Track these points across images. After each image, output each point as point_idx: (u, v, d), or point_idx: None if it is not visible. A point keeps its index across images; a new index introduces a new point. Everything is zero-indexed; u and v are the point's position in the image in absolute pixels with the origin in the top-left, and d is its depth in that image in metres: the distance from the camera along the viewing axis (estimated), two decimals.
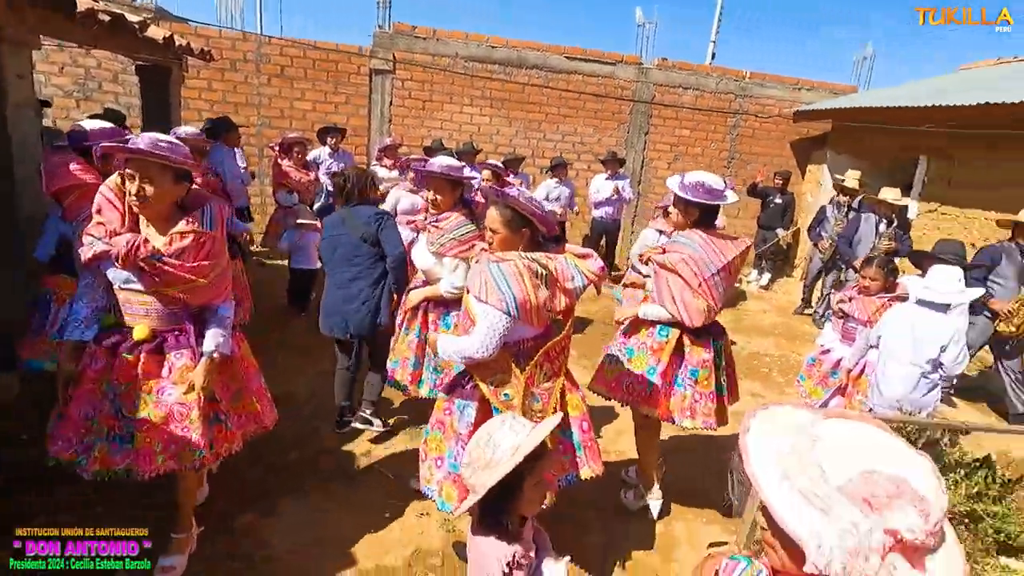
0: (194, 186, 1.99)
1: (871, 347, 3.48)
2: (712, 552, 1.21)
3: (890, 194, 5.61)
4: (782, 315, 7.06)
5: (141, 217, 1.86)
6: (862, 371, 3.60)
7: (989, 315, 4.31)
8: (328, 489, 2.83)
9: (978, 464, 2.63)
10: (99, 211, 1.84)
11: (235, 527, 2.45)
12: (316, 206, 5.97)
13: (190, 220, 1.86)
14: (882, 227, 5.65)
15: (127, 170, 1.76)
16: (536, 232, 1.96)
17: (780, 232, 7.81)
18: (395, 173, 5.93)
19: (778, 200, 7.77)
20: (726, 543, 2.63)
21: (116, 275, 1.83)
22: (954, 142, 6.50)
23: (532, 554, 1.43)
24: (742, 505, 2.62)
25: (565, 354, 2.12)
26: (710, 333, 2.62)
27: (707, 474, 3.22)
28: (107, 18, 3.29)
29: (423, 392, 2.84)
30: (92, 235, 1.78)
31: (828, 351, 3.90)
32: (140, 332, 1.86)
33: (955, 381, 4.44)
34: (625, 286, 3.83)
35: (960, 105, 5.97)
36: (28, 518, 1.85)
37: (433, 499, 2.06)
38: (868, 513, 0.72)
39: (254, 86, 7.16)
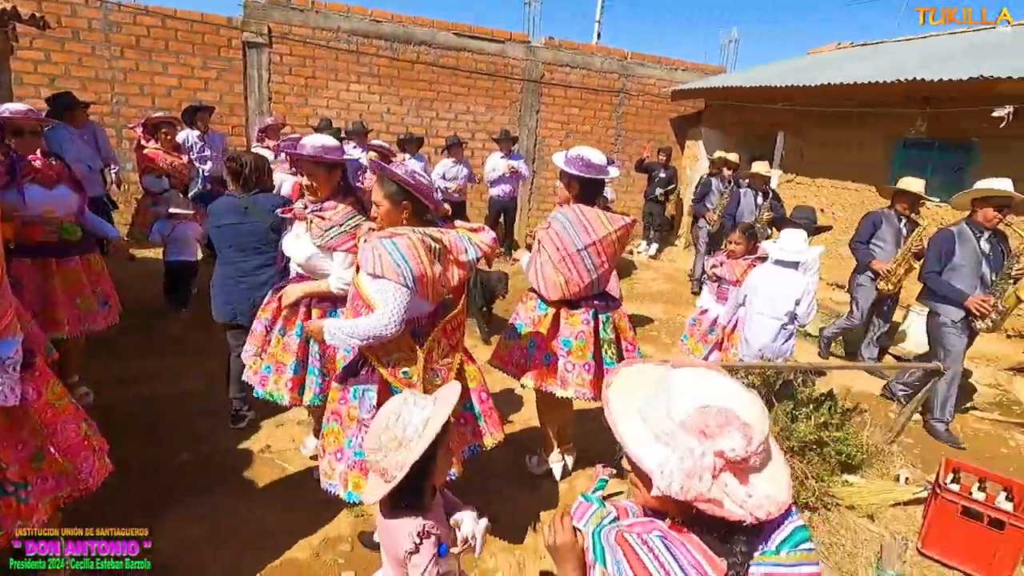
0: None
1: (740, 305, 3.88)
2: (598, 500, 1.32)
3: (762, 167, 6.15)
4: (669, 282, 7.61)
5: None
6: (735, 327, 4.00)
7: (872, 275, 4.67)
8: (227, 487, 2.70)
9: (823, 398, 3.06)
10: None
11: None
12: (192, 193, 5.50)
13: None
14: (759, 199, 6.18)
15: None
16: (421, 207, 1.94)
17: (658, 191, 8.26)
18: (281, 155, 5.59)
19: (662, 174, 8.30)
20: (621, 493, 2.84)
21: None
22: (803, 118, 7.29)
23: (440, 524, 1.46)
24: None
25: (461, 329, 2.15)
26: (592, 306, 2.67)
27: (606, 433, 3.44)
28: None
29: (306, 400, 2.53)
30: None
31: (706, 311, 4.29)
32: None
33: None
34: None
35: (805, 85, 6.70)
36: None
37: (337, 494, 2.02)
38: (702, 440, 0.84)
39: (104, 59, 6.37)
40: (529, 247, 2.83)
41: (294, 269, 2.64)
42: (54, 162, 2.93)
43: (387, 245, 1.81)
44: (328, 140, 2.41)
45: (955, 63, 5.71)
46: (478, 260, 2.00)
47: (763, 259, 3.93)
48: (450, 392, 1.51)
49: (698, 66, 9.34)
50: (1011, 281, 3.58)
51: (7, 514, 1.53)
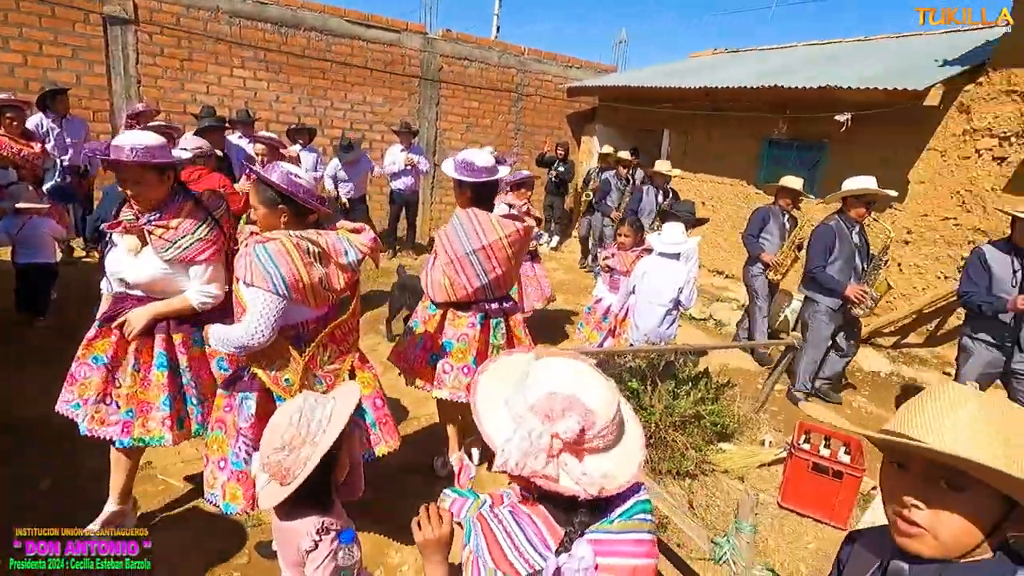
0: None
1: (630, 294, 4.16)
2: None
3: (663, 166, 6.38)
4: (570, 272, 7.92)
5: None
6: (626, 314, 4.28)
7: (762, 267, 4.98)
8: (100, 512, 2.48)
9: (701, 376, 3.38)
10: None
11: None
12: (47, 185, 4.89)
13: None
14: (659, 197, 6.45)
15: None
16: (301, 210, 1.85)
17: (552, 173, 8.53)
18: None
19: (561, 168, 8.60)
20: None
21: None
22: (686, 117, 7.87)
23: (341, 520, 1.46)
24: None
25: (354, 334, 2.10)
26: (482, 309, 2.65)
27: None
28: None
29: (193, 432, 2.24)
30: None
31: (600, 300, 4.55)
32: None
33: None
34: None
35: (686, 87, 7.24)
36: None
37: (217, 504, 1.93)
38: (544, 423, 0.92)
39: None
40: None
41: (109, 289, 2.22)
42: None
43: (259, 252, 1.74)
44: (151, 138, 1.98)
45: (808, 72, 6.44)
46: (359, 262, 1.95)
47: (649, 251, 4.24)
48: (350, 389, 1.52)
49: (592, 64, 9.74)
50: (879, 271, 4.08)
51: None
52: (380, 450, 2.10)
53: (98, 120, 6.29)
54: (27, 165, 4.55)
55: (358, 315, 2.12)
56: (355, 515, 1.55)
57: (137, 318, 2.05)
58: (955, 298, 5.29)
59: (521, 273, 4.56)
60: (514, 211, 4.36)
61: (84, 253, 5.92)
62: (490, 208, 2.67)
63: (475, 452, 3.07)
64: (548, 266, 8.11)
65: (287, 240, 1.77)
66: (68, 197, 5.21)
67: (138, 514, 2.42)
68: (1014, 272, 3.22)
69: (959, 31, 6.85)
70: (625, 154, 7.33)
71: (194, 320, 2.15)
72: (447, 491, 1.28)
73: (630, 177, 7.39)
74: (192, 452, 2.89)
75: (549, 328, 5.67)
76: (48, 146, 4.99)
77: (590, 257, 7.88)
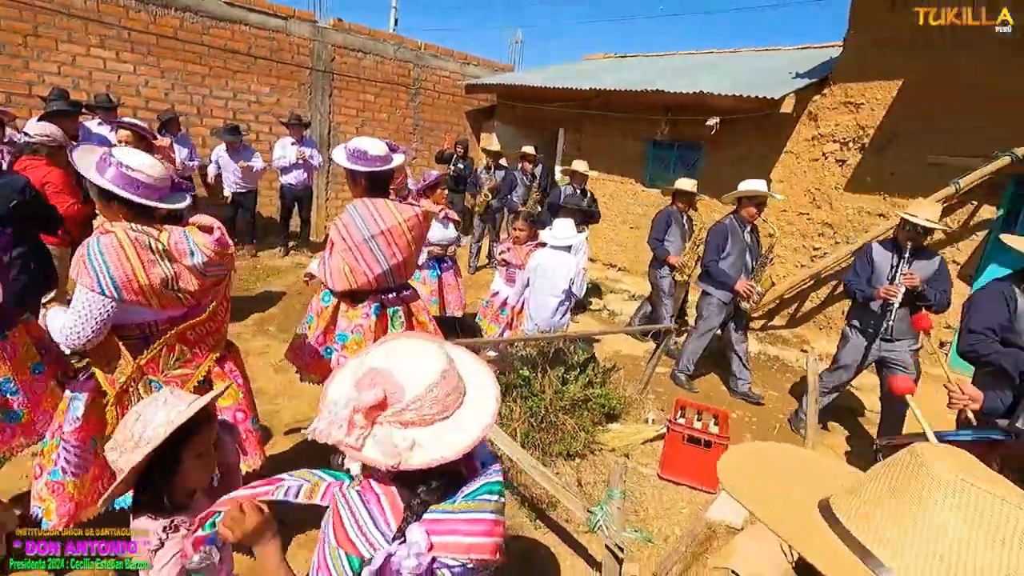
0: None
1: (526, 286, 4.28)
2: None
3: (581, 165, 6.29)
4: (466, 269, 7.97)
5: None
6: (523, 307, 4.39)
7: (669, 268, 5.15)
8: None
9: (588, 361, 3.57)
10: None
11: None
12: None
13: None
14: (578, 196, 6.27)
15: None
16: (140, 207, 1.70)
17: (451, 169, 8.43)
18: None
19: (460, 165, 8.61)
20: None
21: None
22: (580, 117, 8.21)
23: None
24: None
25: (214, 338, 1.96)
26: (378, 299, 2.62)
27: None
28: None
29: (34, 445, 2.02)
30: None
31: (497, 293, 4.64)
32: None
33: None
34: None
35: (579, 88, 7.55)
36: None
37: (39, 520, 1.76)
38: (352, 395, 0.96)
39: None
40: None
41: None
42: None
43: (91, 247, 1.61)
44: None
45: (686, 78, 6.96)
46: (207, 265, 1.80)
47: (543, 244, 4.39)
48: (209, 394, 1.45)
49: (489, 62, 9.85)
50: (765, 268, 4.45)
51: None
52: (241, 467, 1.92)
53: None
54: None
55: (221, 319, 1.97)
56: None
57: None
58: (811, 283, 5.99)
59: (444, 282, 4.54)
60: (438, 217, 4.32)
61: None
62: (385, 196, 2.64)
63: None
64: None
65: (124, 234, 1.63)
66: None
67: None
68: (892, 267, 3.58)
69: (811, 47, 7.73)
70: (530, 149, 7.44)
71: None
72: (286, 476, 1.25)
73: (535, 173, 7.47)
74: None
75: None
76: None
77: (480, 255, 7.90)
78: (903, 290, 3.42)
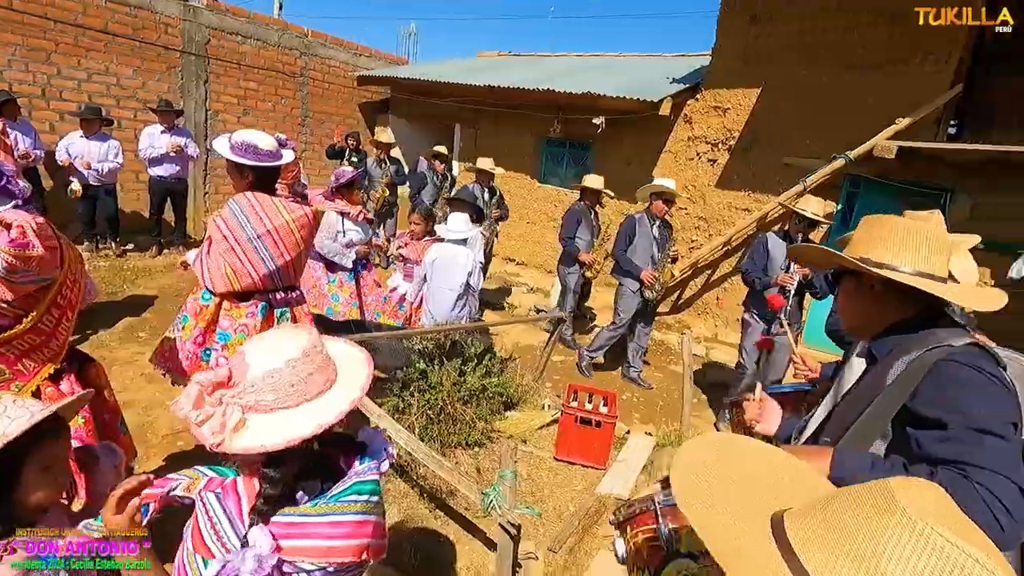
0: None
1: (424, 281, 4.27)
2: None
3: (487, 163, 6.19)
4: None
5: None
6: (421, 302, 4.38)
7: (579, 266, 5.23)
8: None
9: (486, 352, 3.65)
10: None
11: None
12: None
13: None
14: (487, 195, 6.12)
15: None
16: None
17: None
18: None
19: (354, 159, 8.34)
20: None
21: None
22: (475, 113, 8.27)
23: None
24: None
25: (42, 353, 1.75)
26: (264, 298, 2.50)
27: None
28: None
29: None
30: None
31: (395, 289, 4.58)
32: None
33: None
34: None
35: (474, 84, 7.61)
36: None
37: None
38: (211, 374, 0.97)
39: None
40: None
41: None
42: None
43: None
44: None
45: (576, 79, 7.27)
46: (7, 271, 1.59)
47: (439, 240, 4.40)
48: (59, 403, 1.32)
49: (381, 54, 9.61)
50: (670, 261, 4.71)
51: None
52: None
53: None
54: None
55: (50, 330, 1.75)
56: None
57: None
58: (689, 272, 6.52)
59: (362, 283, 4.38)
60: (350, 218, 4.14)
61: None
62: (272, 193, 2.51)
63: None
64: None
65: None
66: None
67: None
68: (785, 257, 3.87)
69: (687, 56, 8.38)
70: (442, 149, 7.22)
71: None
72: (176, 474, 1.20)
73: (447, 174, 7.20)
74: None
75: None
76: None
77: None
78: (798, 278, 3.75)
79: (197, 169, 7.49)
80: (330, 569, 0.98)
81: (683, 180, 6.47)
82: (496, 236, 5.86)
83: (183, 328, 2.49)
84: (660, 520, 1.20)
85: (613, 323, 4.80)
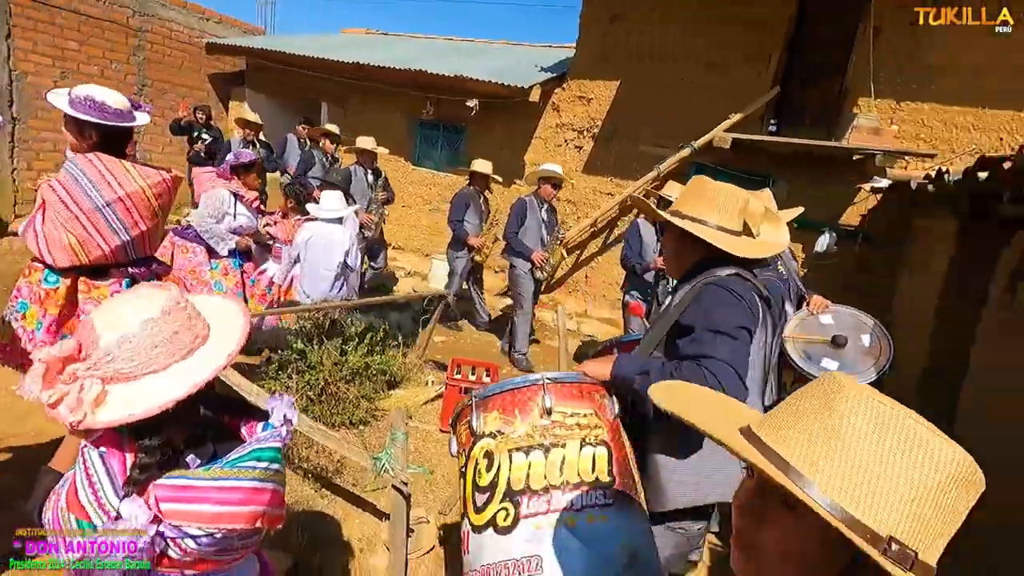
0: None
1: (295, 262, 4.06)
2: None
3: (368, 142, 5.74)
4: None
5: None
6: (291, 284, 4.16)
7: (468, 250, 5.21)
8: None
9: (367, 331, 3.59)
10: None
11: None
12: None
13: None
14: (370, 177, 5.75)
15: None
16: None
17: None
18: None
19: (205, 136, 7.56)
20: None
21: None
22: (343, 90, 7.92)
23: None
24: None
25: None
26: (126, 274, 2.28)
27: None
28: None
29: None
30: None
31: (264, 271, 4.29)
32: None
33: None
34: None
35: (341, 60, 7.29)
36: None
37: None
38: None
39: None
40: None
41: None
42: None
43: None
44: None
45: (447, 61, 7.27)
46: None
47: (311, 219, 4.21)
48: None
49: (234, 21, 8.80)
50: (559, 243, 4.88)
51: None
52: None
53: None
54: None
55: None
56: None
57: None
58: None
59: (247, 273, 3.96)
60: (244, 202, 3.72)
61: None
62: (120, 156, 2.22)
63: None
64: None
65: None
66: None
67: None
68: (657, 241, 4.23)
69: (553, 46, 8.75)
70: (334, 127, 6.66)
71: None
72: None
73: (336, 156, 6.65)
74: None
75: None
76: None
77: None
78: None
79: (2, 141, 6.32)
80: (219, 536, 0.95)
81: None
82: (383, 221, 5.68)
83: (23, 317, 2.14)
84: (473, 411, 1.41)
85: (520, 308, 4.98)
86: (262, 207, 4.09)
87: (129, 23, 7.31)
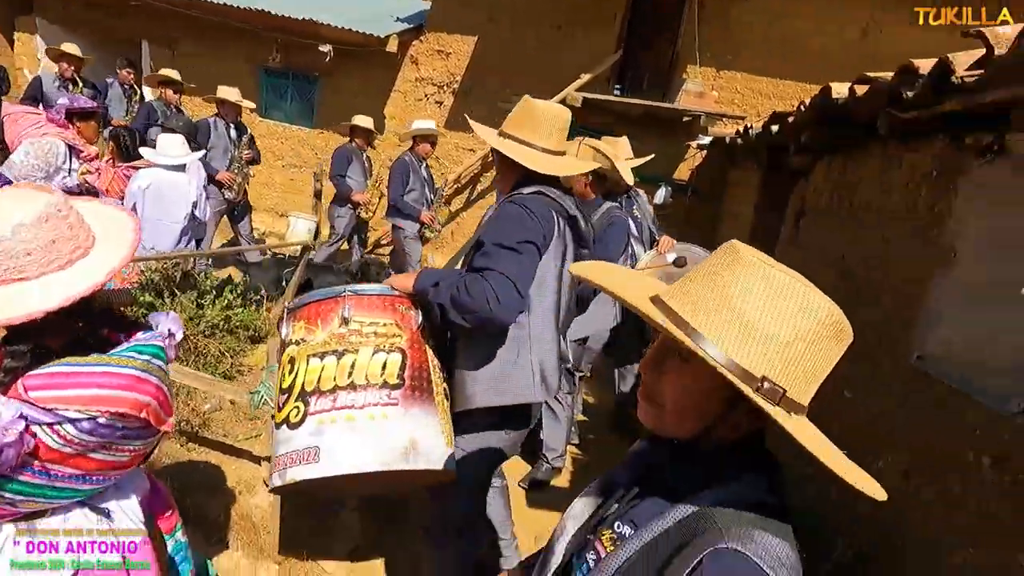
0: None
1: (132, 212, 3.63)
2: None
3: (231, 93, 4.96)
4: None
5: None
6: None
7: (352, 205, 5.05)
8: None
9: (225, 284, 3.38)
10: None
11: None
12: None
13: None
14: (233, 132, 5.00)
15: None
16: None
17: None
18: None
19: None
20: None
21: None
22: (169, 29, 6.98)
23: None
24: None
25: None
26: None
27: None
28: None
29: None
30: None
31: None
32: None
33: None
34: None
35: None
36: None
37: None
38: None
39: None
40: None
41: None
42: None
43: None
44: None
45: (295, 3, 6.72)
46: None
47: (138, 168, 3.76)
48: None
49: None
50: (444, 203, 4.83)
51: None
52: None
53: None
54: None
55: None
56: None
57: None
58: None
59: None
60: (83, 158, 3.08)
61: None
62: None
63: None
64: None
65: None
66: None
67: None
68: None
69: None
70: (173, 73, 5.13)
71: None
72: None
73: (180, 107, 5.37)
74: None
75: None
76: None
77: None
78: None
79: None
80: (101, 420, 0.93)
81: (412, 119, 6.73)
82: (247, 182, 5.11)
83: None
84: (284, 321, 1.61)
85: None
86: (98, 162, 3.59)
87: None
